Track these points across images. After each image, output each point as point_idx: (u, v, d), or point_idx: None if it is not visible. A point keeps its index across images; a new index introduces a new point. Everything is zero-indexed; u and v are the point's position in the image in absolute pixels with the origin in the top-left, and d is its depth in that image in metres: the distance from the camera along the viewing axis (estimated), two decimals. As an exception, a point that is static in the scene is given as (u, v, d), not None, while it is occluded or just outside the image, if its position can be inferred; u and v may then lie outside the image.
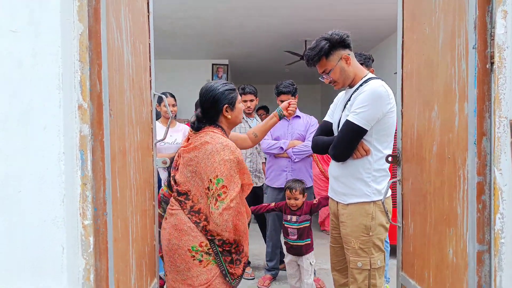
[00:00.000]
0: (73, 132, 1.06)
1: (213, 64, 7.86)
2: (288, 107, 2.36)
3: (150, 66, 1.76)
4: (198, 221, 1.76)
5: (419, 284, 1.72)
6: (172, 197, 1.89)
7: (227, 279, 1.79)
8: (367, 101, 1.94)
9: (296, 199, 3.01)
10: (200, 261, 1.76)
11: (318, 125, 3.44)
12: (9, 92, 1.03)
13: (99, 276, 1.14)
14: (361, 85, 2.05)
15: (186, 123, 4.20)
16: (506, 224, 1.23)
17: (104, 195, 1.13)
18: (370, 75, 2.11)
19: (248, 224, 1.95)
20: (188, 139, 1.95)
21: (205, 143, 1.81)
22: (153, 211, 1.85)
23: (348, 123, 1.97)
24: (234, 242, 1.79)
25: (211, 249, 1.78)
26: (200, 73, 7.79)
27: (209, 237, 1.77)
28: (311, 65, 2.09)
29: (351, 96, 2.06)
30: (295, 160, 3.50)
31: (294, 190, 3.00)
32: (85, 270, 1.09)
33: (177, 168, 1.89)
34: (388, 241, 3.26)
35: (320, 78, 2.16)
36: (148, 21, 1.72)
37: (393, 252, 3.55)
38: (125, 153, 1.36)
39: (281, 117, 2.32)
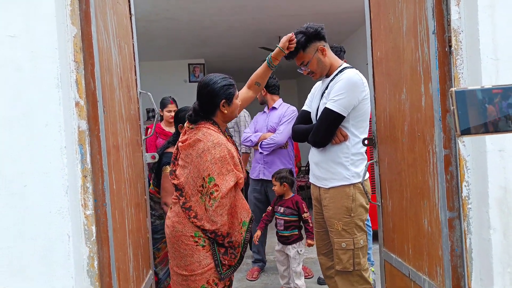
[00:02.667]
0: (72, 128, 1.13)
1: (189, 64, 7.87)
2: (289, 43, 2.11)
3: (135, 66, 1.82)
4: (188, 217, 1.82)
5: (400, 257, 1.83)
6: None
7: (218, 269, 1.85)
8: (343, 89, 2.05)
9: (274, 185, 3.18)
10: (203, 246, 1.83)
11: (292, 116, 3.56)
12: (11, 93, 1.09)
13: (101, 263, 1.21)
14: (337, 74, 2.16)
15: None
16: (471, 191, 1.35)
17: (102, 186, 1.20)
18: (345, 64, 2.23)
19: (251, 221, 1.96)
20: (185, 131, 1.97)
21: (198, 141, 1.84)
22: (145, 204, 1.91)
23: (326, 110, 2.08)
24: (227, 235, 1.84)
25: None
26: (177, 74, 7.79)
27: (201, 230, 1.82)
28: (289, 58, 2.20)
29: (328, 85, 2.18)
30: (265, 153, 3.58)
31: (273, 178, 3.19)
32: (89, 258, 1.16)
33: (177, 163, 1.93)
34: (370, 225, 3.40)
35: (298, 70, 2.26)
36: (131, 23, 1.79)
37: (376, 237, 3.70)
38: (118, 148, 1.43)
39: (270, 66, 2.15)
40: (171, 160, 2.00)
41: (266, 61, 2.16)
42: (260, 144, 3.55)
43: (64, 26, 1.12)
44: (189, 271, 1.83)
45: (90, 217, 1.16)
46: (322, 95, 2.21)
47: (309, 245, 3.06)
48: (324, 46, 2.17)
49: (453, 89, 0.75)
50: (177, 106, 4.03)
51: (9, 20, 1.09)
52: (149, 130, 3.82)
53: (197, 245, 1.83)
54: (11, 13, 1.09)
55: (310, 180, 2.37)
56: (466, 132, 0.75)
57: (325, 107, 2.09)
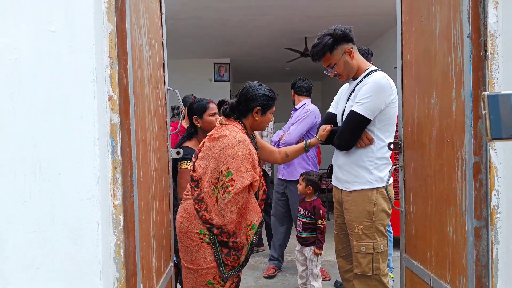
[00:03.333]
0: (105, 120, 1.18)
1: (214, 63, 7.96)
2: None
3: (163, 63, 1.87)
4: (199, 209, 1.87)
5: (422, 264, 1.79)
6: (188, 183, 1.99)
7: (220, 269, 1.88)
8: (370, 92, 2.04)
9: (299, 184, 3.20)
10: (208, 243, 1.88)
11: (303, 116, 3.55)
12: (50, 85, 1.15)
13: (127, 252, 1.25)
14: (364, 77, 2.15)
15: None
16: (501, 200, 1.31)
17: (131, 178, 1.24)
18: (373, 67, 2.21)
19: (261, 224, 1.97)
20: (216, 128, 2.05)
21: (224, 136, 1.92)
22: (169, 198, 1.96)
23: (352, 113, 2.07)
24: (233, 233, 1.87)
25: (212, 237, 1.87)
26: (202, 72, 7.89)
27: (208, 226, 1.86)
28: (316, 60, 2.19)
29: (355, 87, 2.16)
30: None
31: (301, 177, 3.22)
32: (116, 246, 1.21)
33: (197, 156, 1.99)
34: (391, 231, 3.35)
35: (325, 72, 2.26)
36: (161, 21, 1.83)
37: (396, 244, 3.65)
38: (146, 142, 1.47)
39: (306, 149, 2.34)
40: (187, 155, 2.06)
41: (304, 143, 2.35)
42: (277, 144, 3.60)
43: (101, 23, 1.17)
44: (195, 265, 1.89)
45: (119, 207, 1.20)
46: (348, 98, 2.20)
47: (316, 254, 3.08)
48: (351, 48, 2.15)
49: (485, 93, 0.74)
50: None
51: (51, 16, 1.15)
52: (171, 127, 3.87)
53: (202, 242, 1.88)
54: (53, 9, 1.15)
55: (332, 183, 2.36)
56: (497, 137, 0.74)
57: (351, 110, 2.07)
